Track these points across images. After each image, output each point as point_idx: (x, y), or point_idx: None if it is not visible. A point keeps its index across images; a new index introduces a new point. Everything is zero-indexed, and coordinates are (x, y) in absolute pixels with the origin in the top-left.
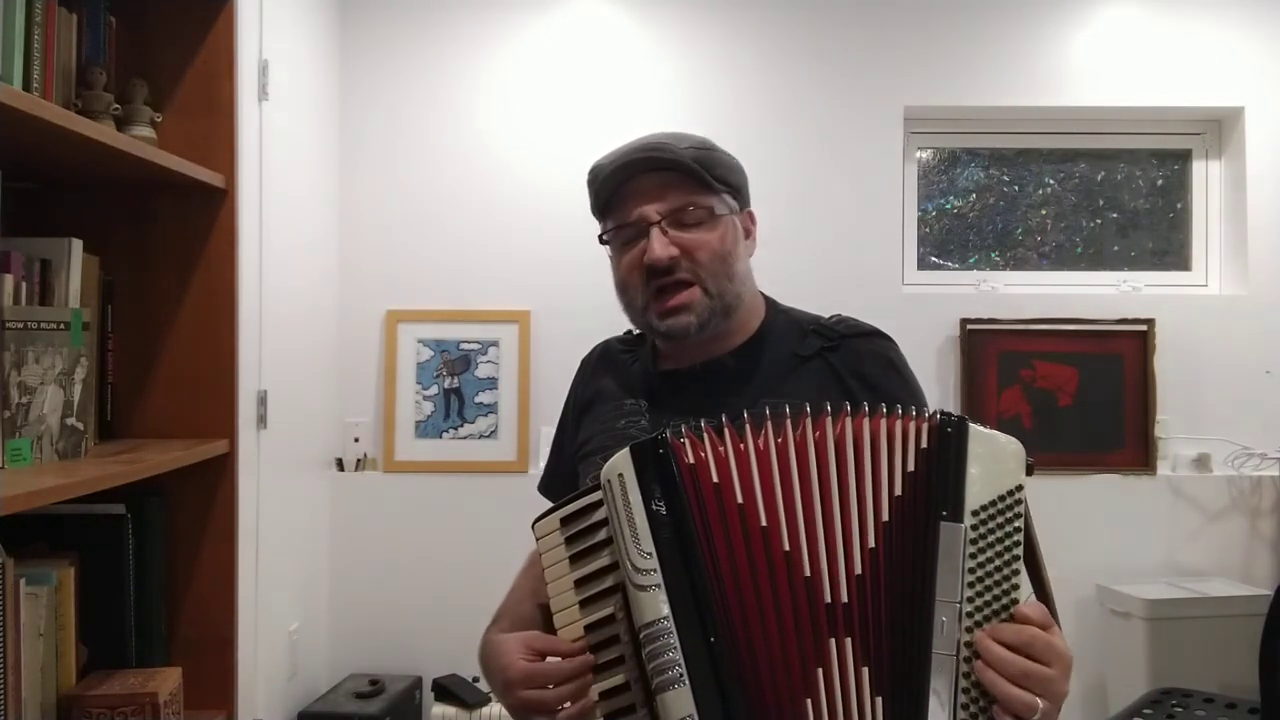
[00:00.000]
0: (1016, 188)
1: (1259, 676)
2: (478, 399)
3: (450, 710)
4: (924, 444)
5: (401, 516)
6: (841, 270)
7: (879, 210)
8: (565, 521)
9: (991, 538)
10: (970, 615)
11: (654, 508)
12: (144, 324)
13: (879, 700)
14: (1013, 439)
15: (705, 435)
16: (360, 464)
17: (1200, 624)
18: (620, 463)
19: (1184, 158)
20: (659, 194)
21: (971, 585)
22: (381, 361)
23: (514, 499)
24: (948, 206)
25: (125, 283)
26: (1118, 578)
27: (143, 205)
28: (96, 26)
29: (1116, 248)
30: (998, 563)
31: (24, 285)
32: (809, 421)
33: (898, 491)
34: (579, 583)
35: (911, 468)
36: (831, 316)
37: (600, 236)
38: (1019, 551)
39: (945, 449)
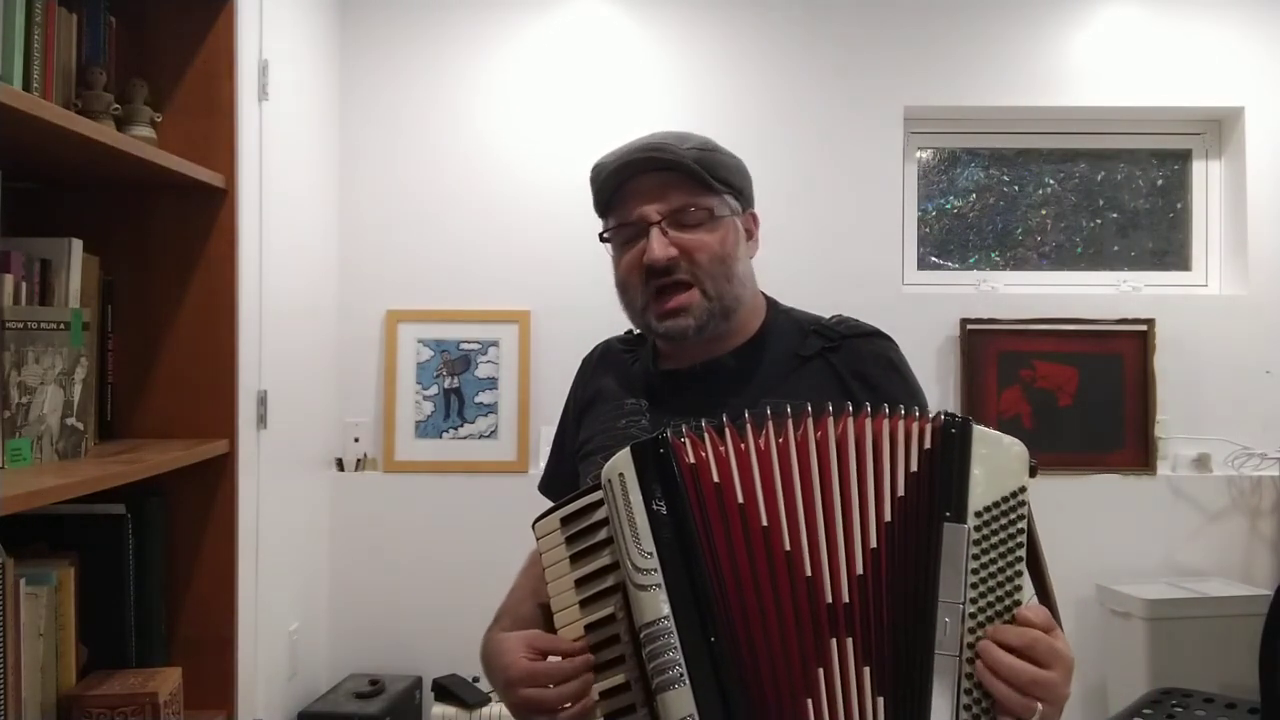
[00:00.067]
0: (1016, 188)
1: (1259, 676)
2: (478, 399)
3: (450, 710)
4: (927, 444)
5: (401, 516)
6: (841, 270)
7: (879, 210)
8: (566, 521)
9: (995, 539)
10: (973, 616)
11: (654, 507)
12: (144, 324)
13: (880, 700)
14: (1016, 440)
15: (706, 435)
16: (360, 464)
17: (1200, 624)
18: (621, 462)
19: (1184, 158)
20: (660, 194)
21: (974, 586)
22: (381, 361)
23: (514, 499)
24: (948, 206)
25: (125, 283)
26: (1118, 578)
27: (143, 205)
28: (96, 26)
29: (1116, 248)
30: (1000, 564)
31: (24, 285)
32: (811, 421)
33: (900, 492)
34: (579, 582)
35: (915, 468)
36: (832, 317)
37: (600, 235)
38: (1022, 553)
39: (949, 450)
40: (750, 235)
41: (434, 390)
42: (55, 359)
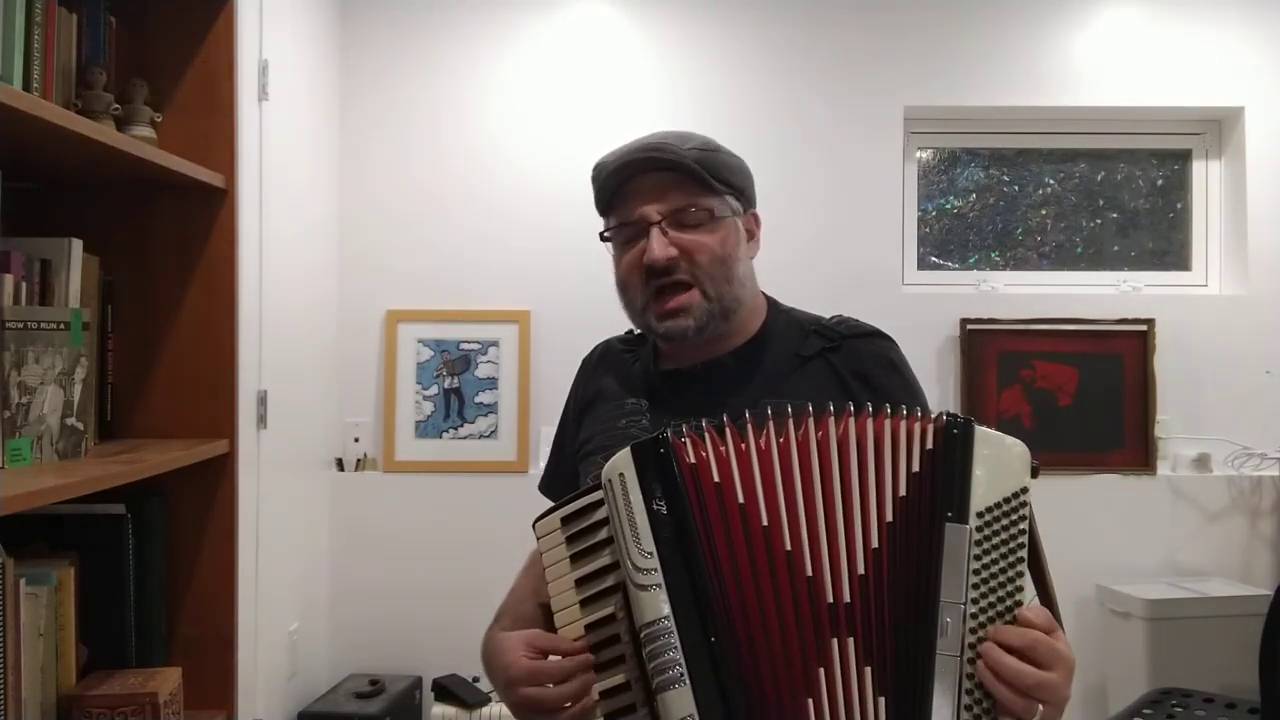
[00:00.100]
0: (1016, 188)
1: (1259, 676)
2: (478, 399)
3: (450, 710)
4: (929, 445)
5: (401, 516)
6: (841, 270)
7: (879, 210)
8: (566, 521)
9: (996, 539)
10: (974, 617)
11: (655, 507)
12: (144, 324)
13: (882, 700)
14: (1018, 441)
15: (706, 435)
16: (360, 464)
17: (1200, 624)
18: (621, 462)
19: (1184, 158)
20: (660, 194)
21: (976, 587)
22: (381, 361)
23: (514, 499)
24: (948, 206)
25: (125, 283)
26: (1118, 578)
27: (143, 205)
28: (96, 26)
29: (1116, 248)
30: (1002, 564)
31: (24, 285)
32: (812, 421)
33: (902, 492)
34: (580, 582)
35: (916, 468)
36: (833, 317)
37: (601, 234)
38: (1024, 554)
39: (951, 450)
40: (752, 236)
41: (434, 390)
42: (55, 359)
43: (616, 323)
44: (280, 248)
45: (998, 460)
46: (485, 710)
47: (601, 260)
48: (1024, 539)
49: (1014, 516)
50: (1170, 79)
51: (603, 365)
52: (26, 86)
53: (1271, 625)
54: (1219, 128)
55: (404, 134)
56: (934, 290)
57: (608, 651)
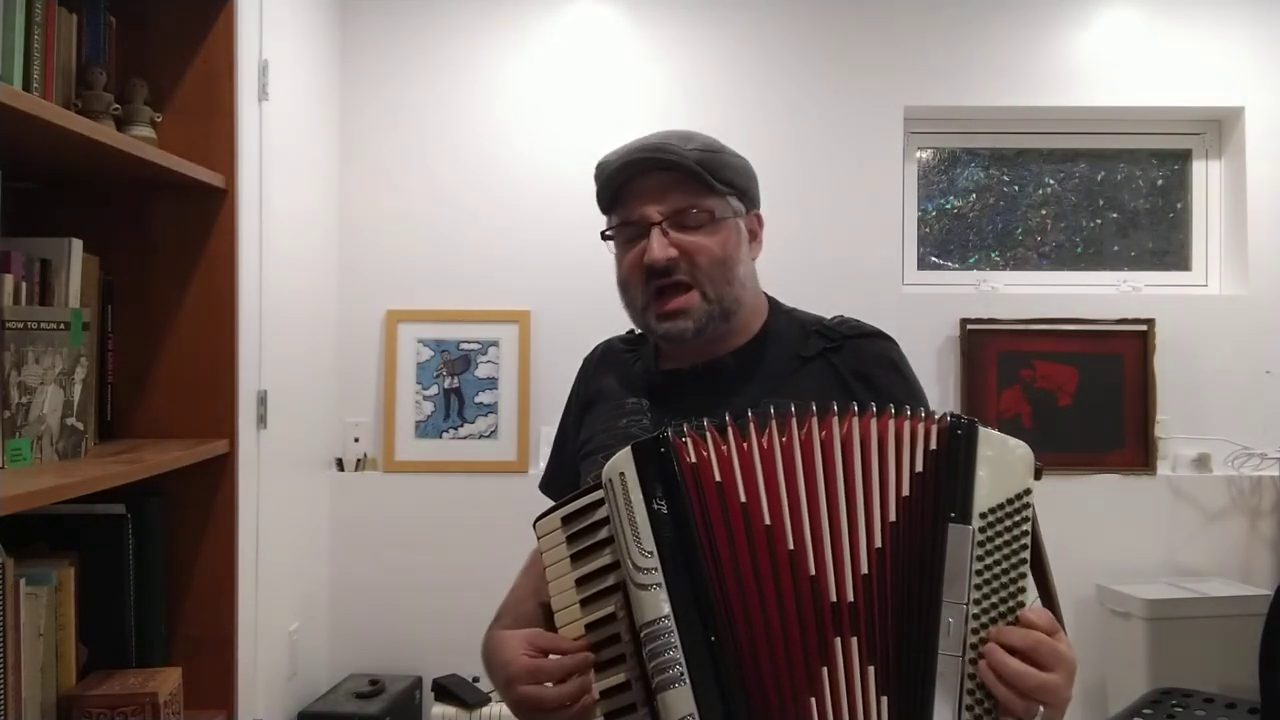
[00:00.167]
0: (1016, 188)
1: (1259, 676)
2: (478, 399)
3: (450, 710)
4: (933, 445)
5: (401, 516)
6: (841, 270)
7: (879, 210)
8: (567, 520)
9: (999, 540)
10: (976, 618)
11: (655, 506)
12: (144, 324)
13: (884, 700)
14: (1021, 443)
15: (707, 434)
16: (360, 464)
17: (1200, 624)
18: (622, 461)
19: (1184, 158)
20: (661, 195)
21: (978, 588)
22: (381, 361)
23: (514, 499)
24: (948, 206)
25: (125, 283)
26: (1118, 578)
27: (143, 205)
28: (96, 26)
29: (1116, 248)
30: (1005, 565)
31: (24, 285)
32: (815, 421)
33: (905, 492)
34: (580, 581)
35: (920, 468)
36: (834, 317)
37: (603, 233)
38: (1026, 555)
39: (955, 451)
40: (754, 236)
41: (434, 390)
42: (55, 359)
43: (617, 323)
44: (280, 248)
45: (1001, 462)
46: (485, 710)
47: (601, 260)
48: (1027, 540)
49: (1017, 518)
50: (1170, 79)
51: (604, 365)
52: (26, 86)
53: (1271, 625)
54: (1219, 128)
55: (404, 134)
56: (934, 290)
57: (608, 651)
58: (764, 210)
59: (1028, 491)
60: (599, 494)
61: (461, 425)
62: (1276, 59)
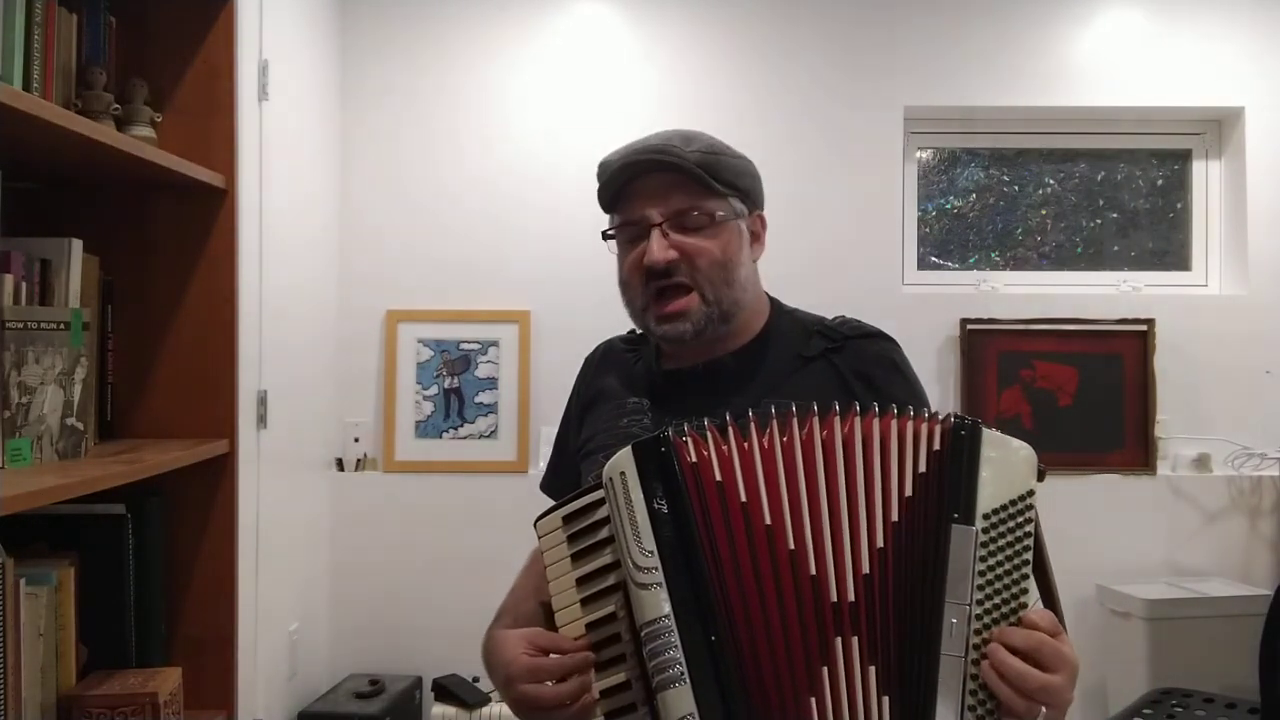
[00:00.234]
0: (1016, 188)
1: (1259, 676)
2: (478, 399)
3: (450, 710)
4: (936, 446)
5: (401, 516)
6: (841, 270)
7: (879, 210)
8: (567, 520)
9: (1002, 541)
10: (979, 618)
11: (656, 506)
12: (144, 324)
13: (885, 700)
14: (1025, 444)
15: (708, 434)
16: (360, 464)
17: (1200, 624)
18: (622, 461)
19: (1184, 158)
20: (662, 196)
21: (981, 589)
22: (381, 361)
23: (514, 499)
24: (948, 206)
25: (125, 283)
26: (1118, 578)
27: (143, 205)
28: (96, 26)
29: (1116, 248)
30: (1008, 566)
31: (24, 285)
32: (816, 421)
33: (908, 492)
34: (580, 581)
35: (923, 469)
36: (835, 318)
37: (604, 233)
38: (1029, 556)
39: (958, 451)
40: (756, 238)
41: (434, 390)
42: (55, 359)
43: (617, 323)
44: (280, 247)
45: (1005, 463)
46: (485, 710)
47: (602, 261)
48: (1029, 542)
49: (1020, 519)
50: (1170, 79)
51: (605, 364)
52: (26, 86)
53: (1271, 625)
54: (1219, 128)
55: (404, 133)
56: (934, 290)
57: (608, 650)
58: (765, 209)
59: (1031, 493)
60: (599, 493)
61: (461, 425)
62: (1276, 59)
